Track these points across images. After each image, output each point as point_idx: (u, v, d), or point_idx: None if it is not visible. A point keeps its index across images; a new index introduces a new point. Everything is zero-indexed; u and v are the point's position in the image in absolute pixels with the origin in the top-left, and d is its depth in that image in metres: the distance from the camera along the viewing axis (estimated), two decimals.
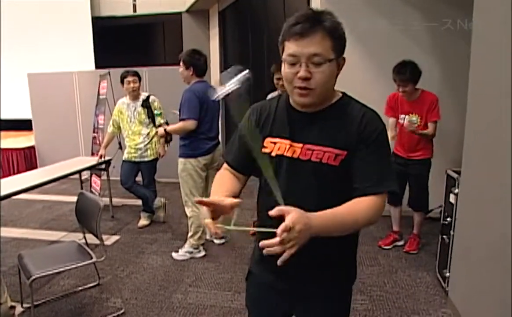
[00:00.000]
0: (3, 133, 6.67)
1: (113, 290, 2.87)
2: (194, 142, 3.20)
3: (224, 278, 3.03)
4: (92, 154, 4.97)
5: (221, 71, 7.50)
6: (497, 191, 2.02)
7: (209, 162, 3.30)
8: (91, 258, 2.44)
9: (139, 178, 4.16)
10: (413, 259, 3.26)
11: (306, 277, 1.21)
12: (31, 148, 6.55)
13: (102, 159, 4.26)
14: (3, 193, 2.93)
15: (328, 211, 1.02)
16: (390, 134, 3.10)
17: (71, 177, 4.07)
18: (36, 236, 3.99)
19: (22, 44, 7.56)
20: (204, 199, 1.03)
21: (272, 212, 0.93)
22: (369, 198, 1.08)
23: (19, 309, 2.61)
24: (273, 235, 0.91)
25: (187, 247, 3.40)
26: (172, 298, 2.78)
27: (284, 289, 1.26)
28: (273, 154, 1.18)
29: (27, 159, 6.49)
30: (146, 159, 4.03)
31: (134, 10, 7.86)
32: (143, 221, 4.18)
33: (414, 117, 3.15)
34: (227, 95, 1.15)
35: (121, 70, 4.05)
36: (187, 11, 7.66)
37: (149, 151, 4.03)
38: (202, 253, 3.41)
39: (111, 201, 4.50)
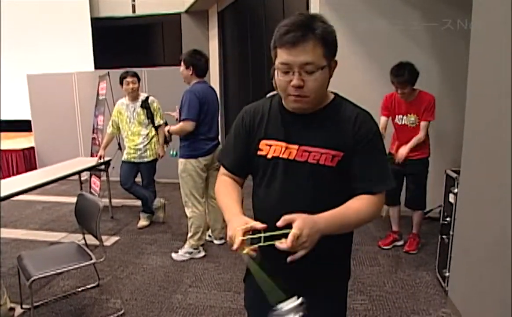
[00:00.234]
0: (2, 134, 6.67)
1: (112, 291, 2.86)
2: (194, 143, 3.20)
3: (224, 279, 3.03)
4: (92, 155, 4.97)
5: (220, 71, 7.49)
6: (496, 190, 2.02)
7: (209, 163, 3.30)
8: (91, 258, 2.44)
9: (138, 179, 4.16)
10: (412, 259, 3.26)
11: (305, 276, 1.21)
12: (31, 149, 6.55)
13: (102, 160, 4.25)
14: (3, 194, 2.93)
15: (333, 211, 1.08)
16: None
17: (71, 177, 4.07)
18: (35, 237, 3.99)
19: (22, 45, 7.56)
20: (248, 227, 1.04)
21: (279, 223, 1.00)
22: (369, 197, 1.14)
23: (18, 310, 2.61)
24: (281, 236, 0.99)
25: (187, 248, 3.40)
26: (172, 299, 2.77)
27: (283, 289, 1.26)
28: (269, 156, 1.20)
29: (27, 160, 6.48)
30: (145, 160, 4.03)
31: (133, 11, 7.85)
32: (143, 222, 4.18)
33: (412, 117, 3.17)
34: None
35: (120, 71, 4.04)
36: (186, 11, 7.65)
37: (148, 152, 4.03)
38: (202, 254, 3.41)
39: (110, 201, 4.50)
